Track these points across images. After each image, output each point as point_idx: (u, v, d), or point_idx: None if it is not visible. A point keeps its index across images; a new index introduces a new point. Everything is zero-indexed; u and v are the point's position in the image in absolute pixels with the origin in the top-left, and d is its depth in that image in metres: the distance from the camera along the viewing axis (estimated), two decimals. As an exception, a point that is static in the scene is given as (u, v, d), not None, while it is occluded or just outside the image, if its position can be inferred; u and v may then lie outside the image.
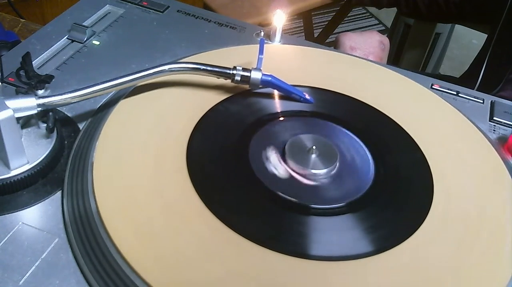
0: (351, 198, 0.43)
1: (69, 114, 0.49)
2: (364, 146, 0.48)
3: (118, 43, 0.59)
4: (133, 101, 0.49)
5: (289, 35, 0.63)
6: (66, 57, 0.56)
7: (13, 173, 0.41)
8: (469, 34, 1.86)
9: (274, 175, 0.44)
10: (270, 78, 0.49)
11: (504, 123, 0.54)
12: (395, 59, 1.32)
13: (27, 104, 0.42)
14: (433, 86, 0.58)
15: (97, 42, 0.58)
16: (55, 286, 0.36)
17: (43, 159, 0.42)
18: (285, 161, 0.45)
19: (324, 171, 0.45)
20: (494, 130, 0.53)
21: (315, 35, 1.59)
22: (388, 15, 2.08)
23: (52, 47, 0.57)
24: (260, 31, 0.63)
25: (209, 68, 0.49)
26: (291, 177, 0.44)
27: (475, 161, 0.48)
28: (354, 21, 2.19)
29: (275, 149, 0.46)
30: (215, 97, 0.51)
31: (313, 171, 0.44)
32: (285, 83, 0.51)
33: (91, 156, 0.42)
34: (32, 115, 0.43)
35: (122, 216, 0.38)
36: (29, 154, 0.42)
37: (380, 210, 0.43)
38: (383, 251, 0.39)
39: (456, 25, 1.32)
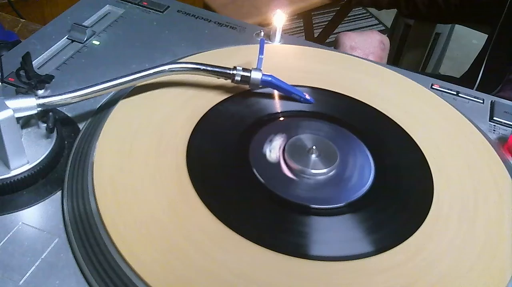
0: (351, 198, 0.43)
1: (69, 114, 0.49)
2: (364, 146, 0.48)
3: (118, 43, 0.59)
4: (133, 101, 0.49)
5: (289, 35, 0.63)
6: (66, 57, 0.56)
7: (13, 173, 0.41)
8: (469, 34, 1.86)
9: (265, 156, 0.44)
10: (270, 79, 0.49)
11: (504, 123, 0.54)
12: (395, 59, 1.32)
13: (27, 104, 0.42)
14: (433, 86, 0.58)
15: (97, 42, 0.58)
16: (55, 286, 0.36)
17: (43, 159, 0.42)
18: (302, 175, 0.45)
19: (324, 171, 0.45)
20: (494, 130, 0.53)
21: (315, 35, 1.58)
22: (388, 15, 2.08)
23: (52, 47, 0.57)
24: (260, 31, 0.63)
25: (209, 68, 0.49)
26: (279, 163, 0.45)
27: (475, 161, 0.48)
28: (354, 21, 2.19)
29: (282, 139, 0.45)
30: (215, 97, 0.51)
31: (313, 171, 0.44)
32: (285, 83, 0.51)
33: (91, 155, 0.42)
34: (32, 115, 0.43)
35: (122, 216, 0.38)
36: (29, 154, 0.42)
37: (380, 210, 0.43)
38: (383, 251, 0.39)
39: (456, 25, 1.32)
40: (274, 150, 0.45)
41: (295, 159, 0.45)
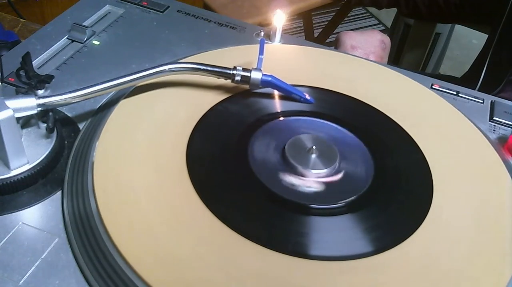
0: (351, 198, 0.43)
1: (69, 114, 0.49)
2: (364, 146, 0.48)
3: (118, 43, 0.59)
4: (133, 101, 0.49)
5: (289, 35, 0.63)
6: (66, 57, 0.56)
7: (13, 173, 0.41)
8: (469, 34, 1.86)
9: (314, 192, 0.43)
10: (270, 79, 0.49)
11: (504, 123, 0.54)
12: (395, 59, 1.32)
13: (27, 104, 0.42)
14: (433, 86, 0.58)
15: (97, 42, 0.58)
16: (55, 286, 0.36)
17: (43, 159, 0.42)
18: (302, 175, 0.44)
19: (324, 170, 0.45)
20: (494, 130, 0.53)
21: (315, 35, 1.58)
22: (388, 15, 2.08)
23: (52, 47, 0.57)
24: (260, 31, 0.63)
25: (209, 68, 0.49)
26: (321, 183, 0.44)
27: (475, 161, 0.48)
28: (354, 21, 2.19)
29: (285, 170, 0.45)
30: (215, 97, 0.51)
31: (313, 171, 0.44)
32: (285, 83, 0.51)
33: (91, 156, 0.42)
34: (32, 115, 0.43)
35: (122, 216, 0.38)
36: (29, 154, 0.42)
37: (380, 210, 0.43)
38: (383, 251, 0.39)
39: (456, 25, 1.32)
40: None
41: (295, 158, 0.45)
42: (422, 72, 1.05)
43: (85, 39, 0.58)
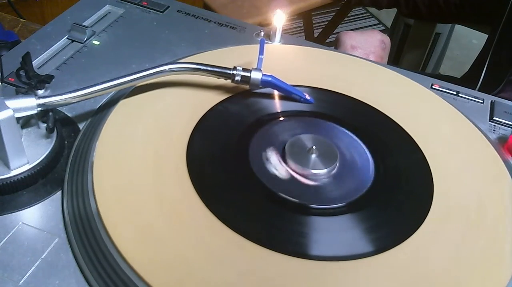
0: (351, 198, 0.43)
1: (69, 114, 0.49)
2: (364, 146, 0.48)
3: (118, 43, 0.59)
4: (133, 101, 0.49)
5: (289, 35, 0.63)
6: (66, 57, 0.56)
7: (13, 173, 0.41)
8: (469, 34, 1.86)
9: (275, 175, 0.44)
10: (270, 79, 0.49)
11: (504, 123, 0.54)
12: (395, 59, 1.32)
13: (27, 104, 0.42)
14: (433, 86, 0.58)
15: (97, 42, 0.58)
16: (55, 286, 0.36)
17: (43, 159, 0.42)
18: (285, 161, 0.45)
19: (324, 171, 0.45)
20: (494, 130, 0.53)
21: (315, 35, 1.58)
22: (388, 15, 2.08)
23: (52, 47, 0.57)
24: (260, 31, 0.63)
25: (209, 68, 0.49)
26: (292, 177, 0.44)
27: (475, 161, 0.48)
28: (354, 21, 2.19)
29: (275, 149, 0.46)
30: (215, 97, 0.51)
31: (313, 171, 0.44)
32: (285, 83, 0.51)
33: (91, 156, 0.42)
34: (32, 115, 0.43)
35: (122, 216, 0.38)
36: (29, 154, 0.42)
37: (380, 210, 0.43)
38: (383, 251, 0.39)
39: (456, 25, 1.32)
40: (277, 165, 0.45)
41: (295, 158, 0.45)
42: (422, 72, 1.05)
43: (85, 39, 0.58)
